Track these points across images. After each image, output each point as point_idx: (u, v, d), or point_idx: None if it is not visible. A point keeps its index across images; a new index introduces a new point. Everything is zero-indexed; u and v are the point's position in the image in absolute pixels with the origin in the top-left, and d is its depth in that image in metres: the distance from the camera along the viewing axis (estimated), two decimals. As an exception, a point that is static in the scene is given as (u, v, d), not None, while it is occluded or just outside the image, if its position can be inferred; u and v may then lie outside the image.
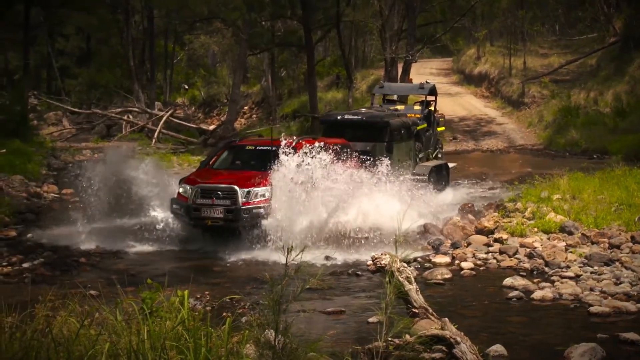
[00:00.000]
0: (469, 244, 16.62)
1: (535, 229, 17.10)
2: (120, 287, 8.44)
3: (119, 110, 48.16)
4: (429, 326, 8.51)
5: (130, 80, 50.53)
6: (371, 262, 9.11)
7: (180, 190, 17.27)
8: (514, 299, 12.57)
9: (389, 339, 7.79)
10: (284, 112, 50.41)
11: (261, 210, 16.51)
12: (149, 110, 46.69)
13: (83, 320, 7.00)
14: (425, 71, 57.82)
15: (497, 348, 9.49)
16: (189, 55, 70.10)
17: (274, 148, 17.42)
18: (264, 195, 16.66)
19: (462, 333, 8.33)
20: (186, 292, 7.52)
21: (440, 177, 23.22)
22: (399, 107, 25.10)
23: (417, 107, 24.71)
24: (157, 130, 41.66)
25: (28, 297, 7.55)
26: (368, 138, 20.73)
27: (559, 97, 42.88)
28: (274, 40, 48.20)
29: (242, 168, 18.05)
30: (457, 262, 15.30)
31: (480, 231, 17.56)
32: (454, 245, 16.51)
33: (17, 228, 18.92)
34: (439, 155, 25.18)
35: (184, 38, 64.39)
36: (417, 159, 22.80)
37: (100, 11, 50.80)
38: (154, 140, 40.68)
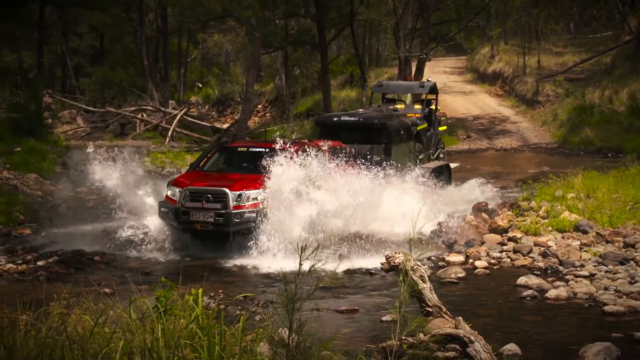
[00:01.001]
0: (482, 243, 16.59)
1: (550, 228, 17.06)
2: (134, 285, 8.47)
3: (133, 108, 48.23)
4: (442, 325, 8.51)
5: (144, 78, 50.58)
6: (385, 260, 9.10)
7: (169, 192, 16.61)
8: (528, 298, 12.54)
9: (403, 337, 7.78)
10: (297, 111, 50.41)
11: (253, 214, 15.77)
12: (162, 108, 46.73)
13: (97, 318, 7.02)
14: (439, 70, 57.79)
15: (511, 347, 9.46)
16: (202, 54, 70.19)
17: (267, 150, 16.83)
18: (256, 199, 15.91)
19: (476, 332, 8.33)
20: (200, 291, 7.54)
21: (441, 179, 22.01)
22: (398, 106, 24.49)
23: (417, 107, 24.28)
24: (171, 129, 41.71)
25: (43, 295, 7.58)
26: (365, 140, 20.01)
27: (573, 95, 42.74)
28: (287, 38, 48.18)
29: (234, 170, 17.42)
30: (470, 260, 15.27)
31: (494, 230, 17.54)
32: (468, 244, 16.48)
33: (32, 226, 18.97)
34: (441, 156, 24.71)
35: (198, 36, 64.45)
36: (418, 161, 22.10)
37: (114, 10, 51.01)
38: (167, 139, 40.74)
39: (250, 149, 17.82)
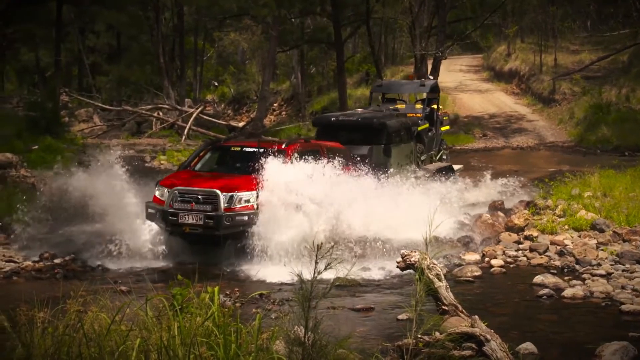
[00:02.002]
0: (498, 242, 16.56)
1: (566, 227, 17.03)
2: (150, 283, 8.50)
3: (149, 107, 48.33)
4: (458, 323, 8.50)
5: (160, 77, 50.73)
6: (401, 259, 9.10)
7: (157, 192, 15.72)
8: (545, 297, 12.51)
9: (419, 336, 7.78)
10: (313, 109, 50.40)
11: (245, 217, 15.00)
12: (178, 107, 46.83)
13: (114, 315, 7.05)
14: (455, 68, 57.71)
15: (527, 346, 9.44)
16: (218, 52, 70.28)
17: (261, 150, 16.17)
18: (248, 201, 15.13)
19: (492, 331, 8.31)
20: (216, 289, 7.56)
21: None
22: (398, 106, 23.89)
23: (418, 106, 23.69)
24: (187, 127, 41.80)
25: (60, 293, 7.61)
26: (364, 141, 19.42)
27: (590, 93, 42.56)
28: (303, 37, 48.17)
29: (226, 171, 16.60)
30: (487, 259, 15.24)
31: (510, 228, 17.52)
32: (484, 243, 16.45)
33: (49, 224, 19.00)
34: (444, 157, 24.18)
35: (214, 35, 64.53)
36: (420, 162, 21.62)
37: (131, 8, 51.11)
38: (183, 137, 40.84)
39: (244, 149, 16.98)
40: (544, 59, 49.62)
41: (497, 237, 16.85)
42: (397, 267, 9.11)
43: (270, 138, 16.22)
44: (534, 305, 12.19)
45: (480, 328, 8.22)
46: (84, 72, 63.46)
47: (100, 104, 50.27)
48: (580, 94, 43.69)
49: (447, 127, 26.37)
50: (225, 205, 14.96)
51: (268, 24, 44.19)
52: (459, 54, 64.42)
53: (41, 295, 7.77)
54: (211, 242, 15.13)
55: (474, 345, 8.12)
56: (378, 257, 14.83)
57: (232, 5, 46.11)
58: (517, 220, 17.92)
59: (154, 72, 55.78)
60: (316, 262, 6.95)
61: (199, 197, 15.15)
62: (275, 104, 57.33)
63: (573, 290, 12.69)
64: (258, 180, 15.15)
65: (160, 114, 46.89)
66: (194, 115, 43.36)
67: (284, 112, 56.10)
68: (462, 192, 20.29)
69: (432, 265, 8.83)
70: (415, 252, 8.86)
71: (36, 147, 27.88)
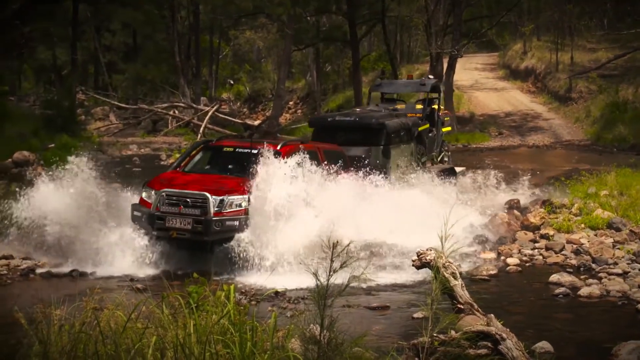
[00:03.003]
0: (514, 240, 16.52)
1: (582, 225, 16.97)
2: (166, 280, 8.52)
3: (165, 105, 48.49)
4: (474, 322, 8.48)
5: (176, 75, 50.89)
6: (416, 257, 9.09)
7: (144, 194, 14.93)
8: (561, 296, 12.48)
9: (434, 334, 7.77)
10: (328, 107, 50.42)
11: (236, 222, 14.12)
12: (194, 105, 46.94)
13: (130, 313, 7.07)
14: (470, 66, 57.58)
15: (544, 345, 9.42)
16: (234, 51, 70.38)
17: (254, 151, 15.16)
18: (240, 205, 14.27)
19: (508, 329, 8.29)
20: (232, 287, 7.57)
21: None
22: (399, 106, 23.15)
23: (419, 106, 23.02)
24: (203, 126, 41.86)
25: (76, 291, 7.64)
26: (362, 142, 18.73)
27: (606, 92, 42.37)
28: (318, 35, 48.19)
29: (218, 172, 15.68)
30: (502, 258, 15.21)
31: (526, 227, 17.47)
32: (500, 241, 16.41)
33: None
34: (445, 159, 23.44)
35: (230, 33, 64.64)
36: (420, 164, 20.81)
37: (147, 7, 51.30)
38: (199, 136, 40.87)
39: (237, 149, 16.00)
40: (560, 57, 49.42)
41: (513, 236, 16.81)
42: (413, 265, 9.09)
43: (265, 139, 15.16)
44: (550, 304, 12.16)
45: (496, 327, 8.20)
46: (100, 71, 63.75)
47: (116, 102, 50.45)
48: (596, 92, 43.51)
49: (449, 128, 25.72)
50: (216, 209, 14.16)
51: (283, 22, 44.20)
52: (475, 52, 64.31)
53: (58, 293, 7.81)
54: (199, 248, 14.30)
55: (489, 344, 8.11)
56: (393, 256, 14.72)
57: (247, 4, 46.20)
58: (533, 218, 17.86)
59: (170, 71, 55.91)
60: (331, 261, 6.95)
61: (188, 200, 14.35)
62: (290, 102, 57.42)
63: (589, 289, 12.65)
64: (250, 183, 14.27)
65: (176, 112, 47.03)
66: (210, 113, 43.44)
67: (299, 111, 56.17)
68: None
69: (447, 263, 8.81)
70: (430, 250, 8.85)
71: (53, 145, 27.99)
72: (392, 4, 44.53)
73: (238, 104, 61.89)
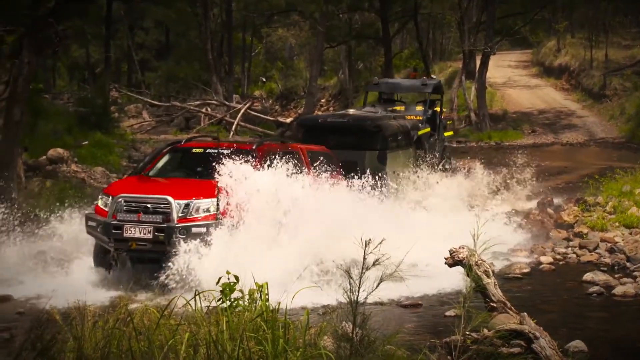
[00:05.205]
0: (548, 238, 16.44)
1: (617, 224, 16.85)
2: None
3: (198, 102, 48.65)
4: (507, 320, 8.44)
5: (209, 73, 50.99)
6: (449, 255, 9.06)
7: (99, 202, 13.30)
8: (595, 295, 12.40)
9: (467, 332, 7.74)
10: (360, 105, 50.38)
11: (203, 229, 12.47)
12: (227, 102, 47.04)
13: (163, 310, 7.12)
14: (503, 63, 57.31)
15: (577, 344, 9.36)
16: (266, 48, 70.51)
17: (227, 152, 13.62)
18: (208, 210, 12.67)
19: (541, 328, 8.24)
20: (265, 284, 7.59)
21: None
22: (397, 107, 21.86)
23: (419, 108, 21.65)
24: (235, 123, 41.96)
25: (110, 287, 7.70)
26: (356, 145, 17.22)
27: (641, 89, 42.11)
28: (351, 32, 48.21)
29: (185, 176, 14.11)
30: (535, 256, 15.14)
31: (559, 225, 17.40)
32: (533, 240, 16.33)
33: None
34: (447, 167, 21.14)
35: (262, 31, 64.77)
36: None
37: (179, 4, 51.46)
38: (232, 133, 41.00)
39: (206, 151, 14.29)
40: (594, 55, 49.05)
41: (546, 234, 16.72)
42: (445, 263, 9.07)
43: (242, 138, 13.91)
44: (583, 302, 12.09)
45: (529, 325, 8.15)
46: (133, 68, 64.07)
47: (149, 100, 50.74)
48: (631, 89, 43.17)
49: (451, 133, 24.49)
50: (180, 215, 12.53)
51: (316, 19, 44.26)
52: (508, 50, 63.99)
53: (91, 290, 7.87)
54: (162, 260, 12.38)
55: (522, 343, 8.07)
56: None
57: (280, 1, 46.34)
58: (567, 217, 17.77)
59: (203, 68, 56.05)
60: (364, 258, 6.95)
61: (148, 205, 12.70)
62: (322, 100, 57.42)
63: (624, 288, 12.55)
64: (220, 186, 12.79)
65: (209, 109, 47.16)
66: (242, 111, 43.52)
67: (331, 108, 56.15)
68: None
69: (480, 261, 8.78)
70: (463, 248, 8.82)
71: (86, 142, 28.15)
72: (424, 1, 44.44)
73: (270, 101, 61.98)
